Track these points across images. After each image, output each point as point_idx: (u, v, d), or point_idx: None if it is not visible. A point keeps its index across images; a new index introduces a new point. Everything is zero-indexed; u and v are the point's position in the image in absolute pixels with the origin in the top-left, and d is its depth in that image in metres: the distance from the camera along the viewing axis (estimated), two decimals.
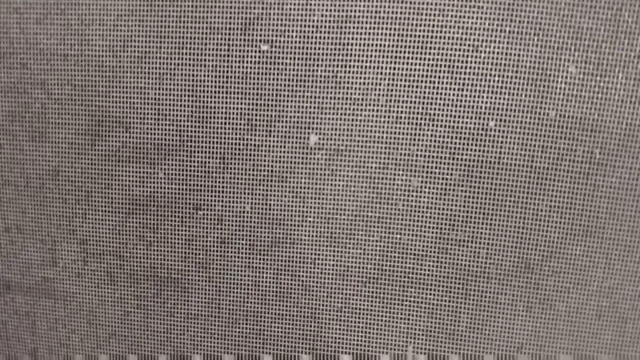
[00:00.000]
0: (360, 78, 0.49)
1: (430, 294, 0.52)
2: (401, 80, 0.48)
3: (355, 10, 0.47)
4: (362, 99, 0.49)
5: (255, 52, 0.50)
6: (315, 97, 0.50)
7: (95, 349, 0.60)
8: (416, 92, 0.48)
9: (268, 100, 0.51)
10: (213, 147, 0.53)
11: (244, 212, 0.54)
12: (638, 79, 0.46)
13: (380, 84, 0.49)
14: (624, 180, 0.48)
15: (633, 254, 0.49)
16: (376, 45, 0.48)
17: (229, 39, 0.50)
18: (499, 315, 0.52)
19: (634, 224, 0.49)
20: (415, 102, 0.49)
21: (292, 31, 0.49)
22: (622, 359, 0.51)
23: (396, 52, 0.48)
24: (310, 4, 0.48)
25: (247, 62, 0.50)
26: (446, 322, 0.53)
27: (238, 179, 0.53)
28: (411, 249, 0.52)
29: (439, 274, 0.52)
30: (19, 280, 0.60)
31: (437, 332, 0.53)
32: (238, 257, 0.55)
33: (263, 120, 0.51)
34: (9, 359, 0.63)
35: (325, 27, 0.48)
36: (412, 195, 0.51)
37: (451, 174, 0.50)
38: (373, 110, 0.49)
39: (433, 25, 0.47)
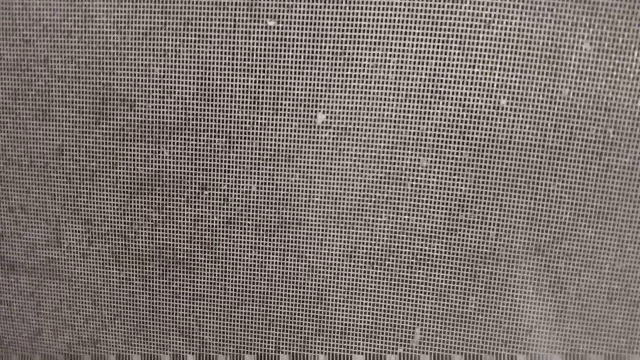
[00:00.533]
0: (369, 55, 0.49)
1: (438, 276, 0.52)
2: (411, 56, 0.48)
3: None
4: (371, 76, 0.49)
5: (262, 28, 0.50)
6: (322, 75, 0.50)
7: (100, 329, 0.60)
8: (426, 69, 0.48)
9: (274, 77, 0.50)
10: (219, 126, 0.52)
11: (250, 192, 0.54)
12: None
13: (389, 61, 0.48)
14: (637, 161, 0.48)
15: None
16: (385, 20, 0.48)
17: (235, 15, 0.49)
18: (508, 298, 0.52)
19: None
20: (424, 79, 0.48)
21: (300, 6, 0.48)
22: (632, 341, 0.51)
23: (406, 27, 0.47)
24: None
25: (253, 39, 0.50)
26: (454, 304, 0.53)
27: (244, 158, 0.53)
28: (419, 230, 0.52)
29: (447, 255, 0.52)
30: (24, 261, 0.61)
31: (445, 314, 0.53)
32: (244, 238, 0.55)
33: (269, 98, 0.51)
34: (13, 340, 0.64)
35: (333, 2, 0.48)
36: (421, 175, 0.51)
37: (461, 154, 0.49)
38: (382, 87, 0.49)
39: (444, 2, 0.47)
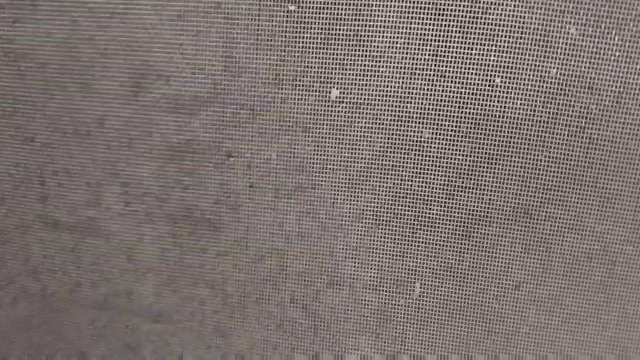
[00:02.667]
0: (379, 37, 0.52)
1: (437, 236, 0.57)
2: (416, 39, 0.52)
3: None
4: (380, 56, 0.53)
5: (284, 12, 0.53)
6: (337, 54, 0.54)
7: (134, 282, 0.65)
8: (429, 50, 0.52)
9: (294, 56, 0.54)
10: (243, 99, 0.57)
11: (270, 159, 0.58)
12: (632, 41, 0.49)
13: (396, 43, 0.52)
14: (617, 134, 0.51)
15: (623, 202, 0.53)
16: (394, 6, 0.51)
17: (260, 0, 0.53)
18: (499, 256, 0.56)
19: (625, 175, 0.52)
20: (427, 59, 0.52)
21: None
22: (610, 296, 0.56)
23: (412, 13, 0.51)
24: None
25: (275, 21, 0.54)
26: (451, 261, 0.57)
27: (266, 128, 0.57)
28: (421, 195, 0.56)
29: (445, 218, 0.56)
30: (66, 219, 0.65)
31: (442, 270, 0.57)
32: (264, 200, 0.59)
33: (289, 75, 0.55)
34: (55, 291, 0.69)
35: None
36: (423, 146, 0.55)
37: (459, 127, 0.53)
38: (389, 67, 0.53)
39: None
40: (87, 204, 0.64)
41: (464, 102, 0.53)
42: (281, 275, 0.61)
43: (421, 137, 0.54)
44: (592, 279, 0.56)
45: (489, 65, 0.51)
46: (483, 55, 0.51)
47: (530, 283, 0.56)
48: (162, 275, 0.64)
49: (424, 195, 0.56)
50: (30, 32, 0.59)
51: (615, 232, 0.54)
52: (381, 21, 0.52)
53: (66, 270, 0.67)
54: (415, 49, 0.52)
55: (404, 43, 0.52)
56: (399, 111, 0.54)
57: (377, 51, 0.53)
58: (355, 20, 0.52)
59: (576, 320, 0.57)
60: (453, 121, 0.53)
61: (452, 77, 0.52)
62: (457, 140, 0.54)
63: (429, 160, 0.55)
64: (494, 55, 0.51)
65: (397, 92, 0.54)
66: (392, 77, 0.53)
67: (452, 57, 0.52)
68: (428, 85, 0.53)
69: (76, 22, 0.58)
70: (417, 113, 0.54)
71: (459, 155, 0.54)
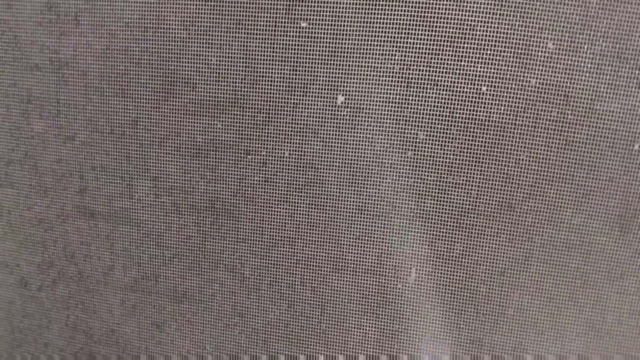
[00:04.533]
0: (379, 50, 0.57)
1: (430, 226, 0.61)
2: (412, 52, 0.56)
3: None
4: (380, 67, 0.57)
5: (296, 28, 0.58)
6: (343, 65, 0.58)
7: (162, 266, 0.69)
8: (424, 62, 0.56)
9: (305, 67, 0.59)
10: (260, 104, 0.61)
11: (283, 157, 0.62)
12: (602, 54, 0.54)
13: (395, 55, 0.57)
14: (590, 136, 0.56)
15: (598, 197, 0.58)
16: (393, 24, 0.56)
17: (276, 17, 0.58)
18: (486, 245, 0.60)
19: (598, 173, 0.57)
20: (422, 70, 0.57)
21: (326, 11, 0.57)
22: (586, 282, 0.61)
23: (409, 29, 0.56)
24: None
25: (289, 36, 0.58)
26: (442, 249, 0.61)
27: (280, 130, 0.62)
28: (416, 189, 0.60)
29: (437, 210, 0.61)
30: (102, 210, 0.69)
31: (435, 257, 0.62)
32: (278, 194, 0.64)
33: (300, 83, 0.60)
34: (90, 275, 0.74)
35: (353, 9, 0.57)
36: (419, 146, 0.59)
37: (450, 129, 0.58)
38: (389, 76, 0.58)
39: (439, 8, 0.55)
40: (121, 196, 0.68)
41: (454, 108, 0.58)
42: (292, 261, 0.66)
43: (417, 138, 0.59)
44: (570, 266, 0.60)
45: (476, 75, 0.56)
46: (471, 66, 0.56)
47: (514, 269, 0.61)
48: (187, 259, 0.69)
49: (419, 190, 0.61)
50: (73, 44, 0.65)
51: (590, 224, 0.59)
52: (381, 37, 0.57)
53: (100, 256, 0.72)
54: (411, 61, 0.57)
55: (402, 56, 0.57)
56: (396, 115, 0.59)
57: (378, 63, 0.58)
58: (358, 36, 0.57)
59: (556, 303, 0.62)
60: (445, 124, 0.58)
61: (443, 85, 0.57)
62: (449, 142, 0.59)
63: (423, 159, 0.60)
64: (481, 66, 0.56)
65: (395, 98, 0.58)
66: (391, 85, 0.58)
67: (443, 68, 0.57)
68: (422, 92, 0.58)
69: (114, 35, 0.63)
70: (412, 117, 0.59)
71: (450, 154, 0.59)
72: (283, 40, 0.59)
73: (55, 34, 0.65)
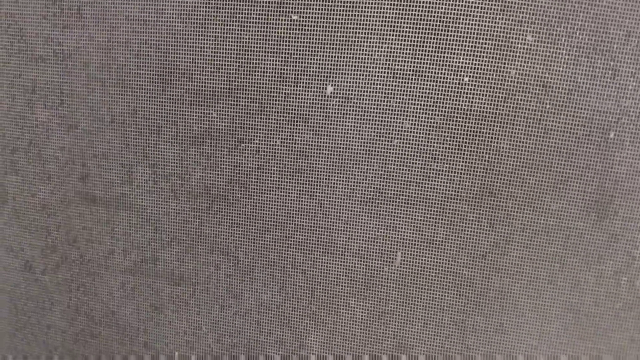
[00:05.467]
0: (367, 42, 0.59)
1: (415, 212, 0.63)
2: (398, 44, 0.58)
3: None
4: (368, 59, 0.59)
5: (287, 21, 0.60)
6: (332, 57, 0.60)
7: (160, 250, 0.71)
8: (409, 54, 0.58)
9: (296, 58, 0.61)
10: (253, 94, 0.63)
11: (275, 145, 0.64)
12: (579, 46, 0.56)
13: (382, 47, 0.59)
14: (568, 125, 0.58)
15: (575, 184, 0.60)
16: (381, 18, 0.58)
17: (268, 11, 0.60)
18: (468, 230, 0.62)
19: (576, 160, 0.59)
20: (408, 61, 0.58)
21: (316, 5, 0.59)
22: (564, 266, 0.63)
23: (395, 23, 0.58)
24: None
25: (280, 29, 0.60)
26: (427, 234, 0.64)
27: (272, 119, 0.63)
28: (402, 176, 0.62)
29: (422, 196, 0.63)
30: (103, 195, 0.71)
31: (419, 242, 0.64)
32: (270, 180, 0.65)
33: (291, 74, 0.61)
34: (92, 258, 0.76)
35: (341, 3, 0.58)
36: (404, 135, 0.61)
37: (434, 118, 0.60)
38: (376, 67, 0.59)
39: (424, 4, 0.57)
40: (121, 182, 0.70)
41: (438, 98, 0.60)
42: (284, 245, 0.68)
43: (402, 127, 0.61)
44: (549, 251, 0.62)
45: (458, 67, 0.58)
46: (454, 58, 0.58)
47: (495, 253, 0.63)
48: (184, 243, 0.71)
49: (405, 177, 0.63)
50: (76, 36, 0.66)
51: (568, 209, 0.61)
52: (369, 29, 0.59)
53: (101, 240, 0.73)
54: (397, 53, 0.59)
55: (388, 48, 0.59)
56: (383, 105, 0.61)
57: (366, 54, 0.59)
58: (347, 28, 0.59)
59: (535, 286, 0.64)
60: (429, 114, 0.60)
61: (427, 76, 0.59)
62: (432, 130, 0.61)
63: (408, 147, 0.62)
64: (463, 58, 0.58)
65: (382, 88, 0.60)
66: (378, 76, 0.60)
67: (427, 59, 0.58)
68: (408, 83, 0.60)
69: (115, 28, 0.65)
70: (398, 107, 0.60)
71: (434, 142, 0.61)
72: (275, 32, 0.61)
73: (59, 27, 0.67)
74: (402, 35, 0.59)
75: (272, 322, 0.71)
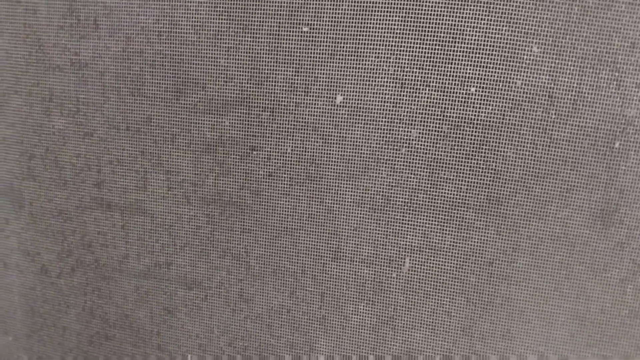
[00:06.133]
0: (375, 53, 0.59)
1: (423, 219, 0.64)
2: (406, 55, 0.59)
3: (373, 4, 0.59)
4: (376, 69, 0.60)
5: (298, 32, 0.61)
6: (341, 67, 0.60)
7: (173, 255, 0.72)
8: (417, 64, 0.59)
9: (306, 68, 0.61)
10: (265, 103, 0.64)
11: (286, 152, 0.65)
12: (583, 57, 0.57)
13: (390, 58, 0.59)
14: (573, 135, 0.58)
15: (581, 192, 0.60)
16: (388, 29, 0.58)
17: (280, 23, 0.61)
18: (475, 237, 0.63)
19: (581, 169, 0.60)
20: (415, 72, 0.59)
21: (326, 17, 0.60)
22: (570, 273, 0.64)
23: (403, 35, 0.58)
24: None
25: (292, 40, 0.61)
26: (434, 240, 0.64)
27: (283, 127, 0.64)
28: (410, 184, 0.63)
29: (430, 204, 0.63)
30: (118, 201, 0.72)
31: (427, 248, 0.65)
32: (281, 187, 0.66)
33: (302, 84, 0.62)
34: (107, 262, 0.77)
35: (350, 15, 0.59)
36: (412, 143, 0.62)
37: (441, 127, 0.61)
38: (384, 77, 0.60)
39: (431, 16, 0.58)
40: (136, 188, 0.71)
41: (445, 107, 0.60)
42: (294, 250, 0.68)
43: (410, 135, 0.62)
44: (555, 258, 0.63)
45: (465, 77, 0.59)
46: (461, 68, 0.58)
47: (501, 260, 0.64)
48: (196, 248, 0.72)
49: (412, 185, 0.63)
50: (92, 46, 0.68)
51: (574, 217, 0.61)
52: (377, 41, 0.59)
53: (116, 245, 0.74)
54: (405, 63, 0.59)
55: (396, 58, 0.60)
56: (391, 114, 0.61)
57: (374, 65, 0.60)
58: (356, 40, 0.60)
59: (541, 293, 0.65)
60: (436, 123, 0.61)
61: (435, 86, 0.59)
62: (440, 139, 0.61)
63: (416, 156, 0.62)
64: (470, 69, 0.58)
65: (390, 98, 0.61)
66: (386, 86, 0.60)
67: (435, 70, 0.59)
68: (415, 93, 0.60)
69: (130, 39, 0.66)
70: (406, 116, 0.61)
71: (442, 151, 0.61)
72: (286, 43, 0.61)
73: (75, 37, 0.68)
74: (410, 47, 0.59)
75: (283, 326, 0.72)
